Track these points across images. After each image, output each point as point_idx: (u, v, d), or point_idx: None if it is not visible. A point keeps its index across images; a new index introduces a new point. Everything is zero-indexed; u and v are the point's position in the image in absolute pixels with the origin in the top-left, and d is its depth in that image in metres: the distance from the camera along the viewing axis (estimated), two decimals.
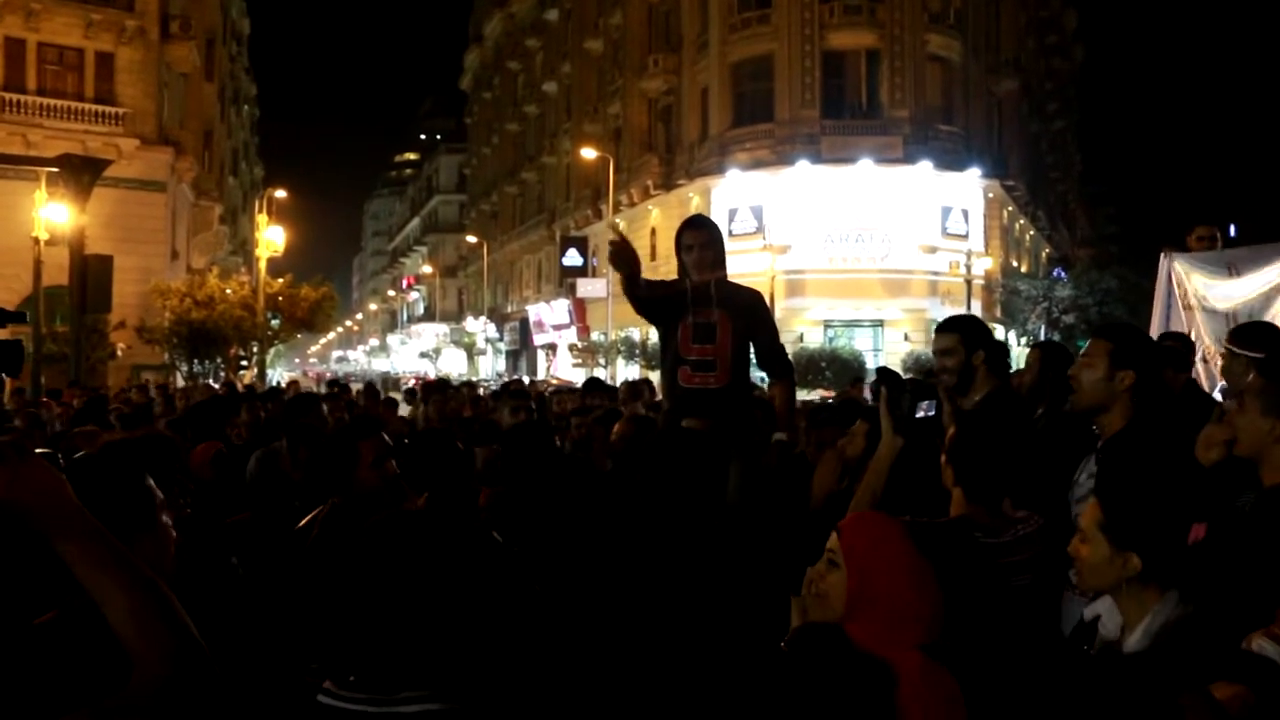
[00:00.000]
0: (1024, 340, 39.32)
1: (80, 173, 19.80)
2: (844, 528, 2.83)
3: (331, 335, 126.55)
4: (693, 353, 5.00)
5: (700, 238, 5.13)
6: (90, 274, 19.35)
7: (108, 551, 1.77)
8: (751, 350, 5.25)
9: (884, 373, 4.64)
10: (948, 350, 4.58)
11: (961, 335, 4.58)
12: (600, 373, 43.39)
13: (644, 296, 5.02)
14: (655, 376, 8.80)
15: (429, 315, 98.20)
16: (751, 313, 5.16)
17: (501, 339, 72.38)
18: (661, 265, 40.11)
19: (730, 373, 4.99)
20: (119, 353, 31.15)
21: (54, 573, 2.03)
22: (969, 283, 39.02)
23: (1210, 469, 3.18)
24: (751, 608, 2.95)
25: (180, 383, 29.64)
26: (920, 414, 3.81)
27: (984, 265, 40.79)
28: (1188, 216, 8.60)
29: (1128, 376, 3.52)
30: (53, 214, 22.42)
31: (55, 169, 20.86)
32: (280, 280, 37.35)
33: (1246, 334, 4.60)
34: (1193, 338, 7.52)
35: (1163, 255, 7.89)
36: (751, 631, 2.91)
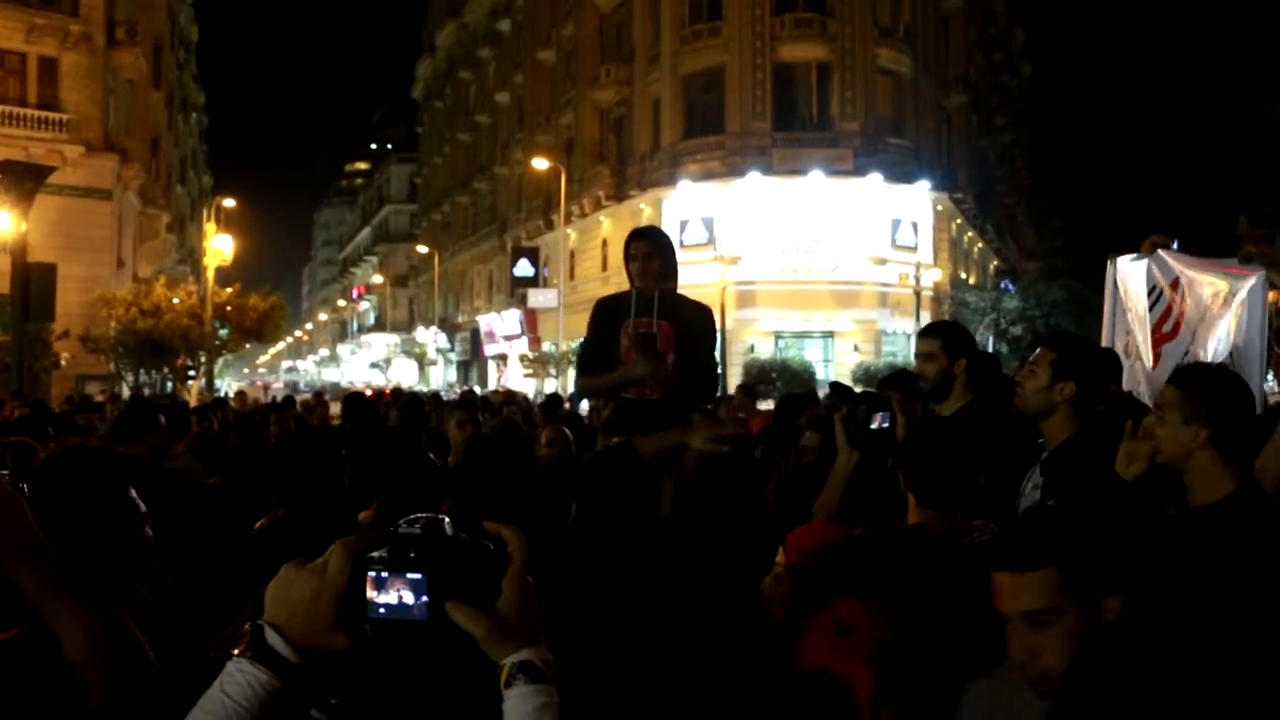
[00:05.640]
0: None
1: (22, 179, 19.51)
2: (790, 542, 2.84)
3: (281, 345, 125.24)
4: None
5: (644, 248, 5.08)
6: (33, 282, 19.07)
7: (62, 578, 1.74)
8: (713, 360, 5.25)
9: (838, 386, 4.61)
10: (929, 355, 4.48)
11: (943, 341, 4.49)
12: (551, 384, 43.34)
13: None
14: None
15: (380, 325, 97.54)
16: (696, 325, 5.09)
17: (452, 349, 72.03)
18: (613, 276, 40.15)
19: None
20: (63, 362, 30.65)
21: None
22: (918, 294, 39.41)
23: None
24: (699, 617, 2.95)
25: (126, 393, 29.22)
26: (874, 426, 3.82)
27: (933, 277, 41.19)
28: (1132, 230, 8.69)
29: (1067, 387, 3.56)
30: None
31: None
32: (229, 290, 37.00)
33: None
34: (1125, 339, 7.64)
35: (1109, 262, 7.99)
36: (703, 640, 2.91)
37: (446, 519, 1.47)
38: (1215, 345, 7.19)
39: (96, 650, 1.70)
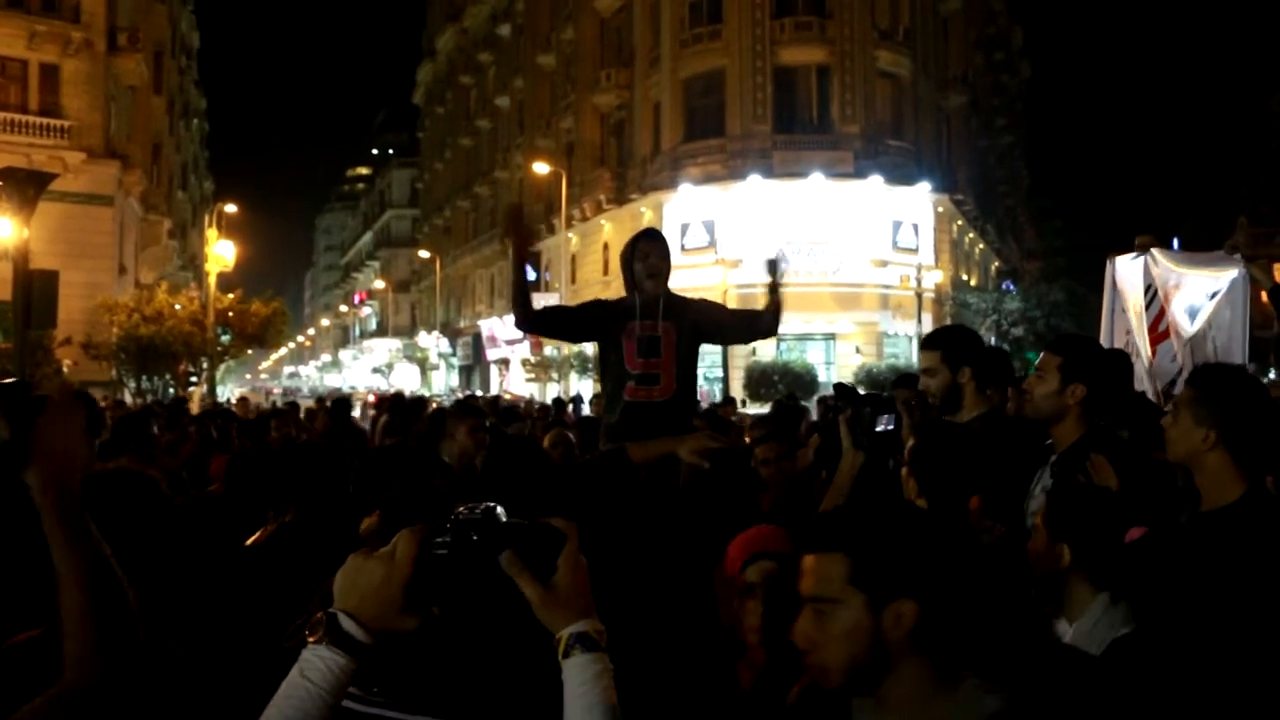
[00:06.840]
0: None
1: (24, 186, 19.40)
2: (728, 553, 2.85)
3: (283, 351, 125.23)
4: (637, 366, 4.99)
5: (656, 247, 5.17)
6: (35, 289, 18.98)
7: (90, 546, 1.76)
8: (702, 363, 5.27)
9: (842, 388, 4.56)
10: (930, 370, 4.29)
11: (944, 352, 4.27)
12: (554, 388, 43.33)
13: (537, 313, 5.20)
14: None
15: (381, 330, 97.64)
16: (703, 314, 5.19)
17: (454, 354, 72.08)
18: (614, 280, 40.08)
19: (674, 385, 4.98)
20: (65, 369, 30.64)
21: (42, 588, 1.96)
22: (919, 296, 39.37)
23: (1157, 482, 3.23)
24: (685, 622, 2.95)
25: (129, 399, 29.21)
26: (879, 428, 3.81)
27: (934, 278, 41.16)
28: (1134, 229, 8.73)
29: (1078, 390, 3.55)
30: None
31: None
32: (230, 295, 36.99)
33: None
34: (1125, 338, 7.68)
35: (1108, 261, 8.06)
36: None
37: (499, 507, 1.57)
38: (1195, 330, 7.28)
39: (89, 621, 1.72)
